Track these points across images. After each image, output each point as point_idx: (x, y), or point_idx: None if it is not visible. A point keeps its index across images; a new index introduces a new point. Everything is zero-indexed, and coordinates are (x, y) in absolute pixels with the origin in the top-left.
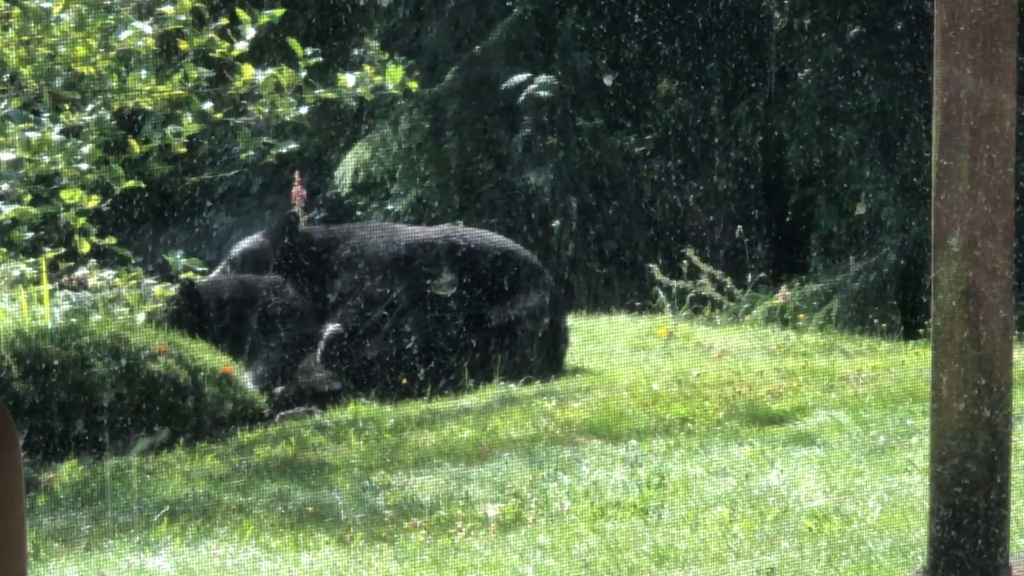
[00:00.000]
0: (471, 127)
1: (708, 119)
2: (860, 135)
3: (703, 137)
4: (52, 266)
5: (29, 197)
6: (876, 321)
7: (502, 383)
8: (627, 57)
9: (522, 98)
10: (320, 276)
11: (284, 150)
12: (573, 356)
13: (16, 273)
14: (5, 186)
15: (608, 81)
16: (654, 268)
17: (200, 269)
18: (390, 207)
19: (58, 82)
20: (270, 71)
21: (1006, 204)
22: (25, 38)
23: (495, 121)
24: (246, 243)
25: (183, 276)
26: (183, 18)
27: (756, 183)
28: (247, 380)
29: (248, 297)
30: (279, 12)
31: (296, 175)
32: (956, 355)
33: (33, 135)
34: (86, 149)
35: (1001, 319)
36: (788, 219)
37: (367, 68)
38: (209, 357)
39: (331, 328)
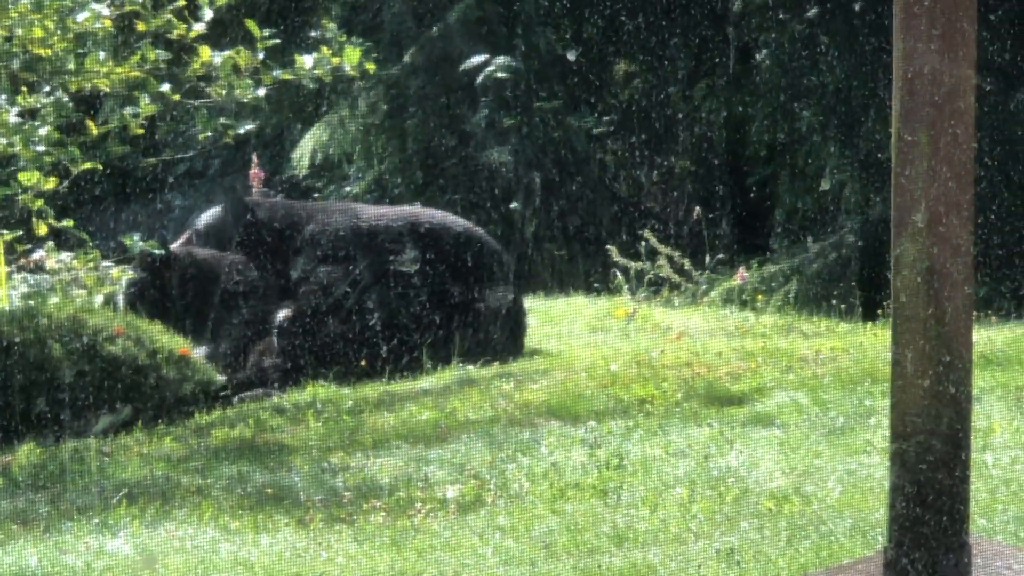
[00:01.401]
0: (431, 106)
1: (669, 98)
2: (822, 112)
3: (664, 116)
4: (9, 248)
5: None
6: (835, 302)
7: (461, 365)
8: (588, 35)
9: (482, 78)
10: (279, 254)
11: (242, 131)
12: (532, 338)
13: None
14: None
15: (570, 58)
16: (613, 249)
17: (157, 252)
18: (348, 188)
19: (15, 64)
20: (228, 52)
21: (968, 180)
22: None
23: (456, 100)
24: (209, 215)
25: (141, 253)
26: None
27: (718, 162)
28: (204, 359)
29: (207, 276)
30: None
31: (254, 157)
32: (920, 332)
33: None
34: (43, 131)
35: (964, 296)
36: (749, 199)
37: (324, 49)
38: (167, 339)
39: (288, 308)
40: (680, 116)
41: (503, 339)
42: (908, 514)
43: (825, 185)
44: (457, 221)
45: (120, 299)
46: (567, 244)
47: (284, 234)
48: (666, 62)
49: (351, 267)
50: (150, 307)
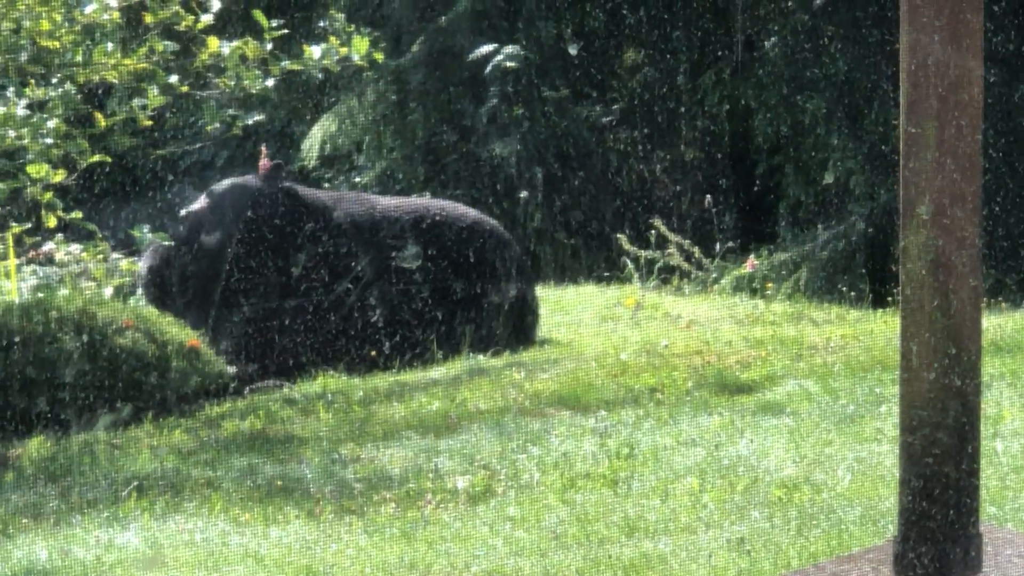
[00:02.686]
0: (437, 98)
1: (674, 88)
2: (827, 103)
3: (669, 106)
4: (18, 241)
5: None
6: (845, 290)
7: (471, 355)
8: (593, 26)
9: (488, 69)
10: (296, 241)
11: (250, 122)
12: (542, 327)
13: None
14: None
15: (573, 51)
16: (622, 238)
17: (166, 243)
18: (356, 179)
19: (23, 56)
20: (235, 43)
21: (974, 172)
22: None
23: (461, 92)
24: (231, 181)
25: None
26: None
27: (723, 152)
28: (219, 350)
29: (216, 266)
30: None
31: (262, 147)
32: (926, 324)
33: None
34: (51, 123)
35: (971, 288)
36: (756, 188)
37: (332, 40)
38: (176, 331)
39: (298, 298)
40: (686, 106)
41: (514, 329)
42: (915, 507)
43: (829, 177)
44: (468, 211)
45: (138, 286)
46: (575, 234)
47: (298, 224)
48: (671, 53)
49: (363, 257)
50: (164, 294)
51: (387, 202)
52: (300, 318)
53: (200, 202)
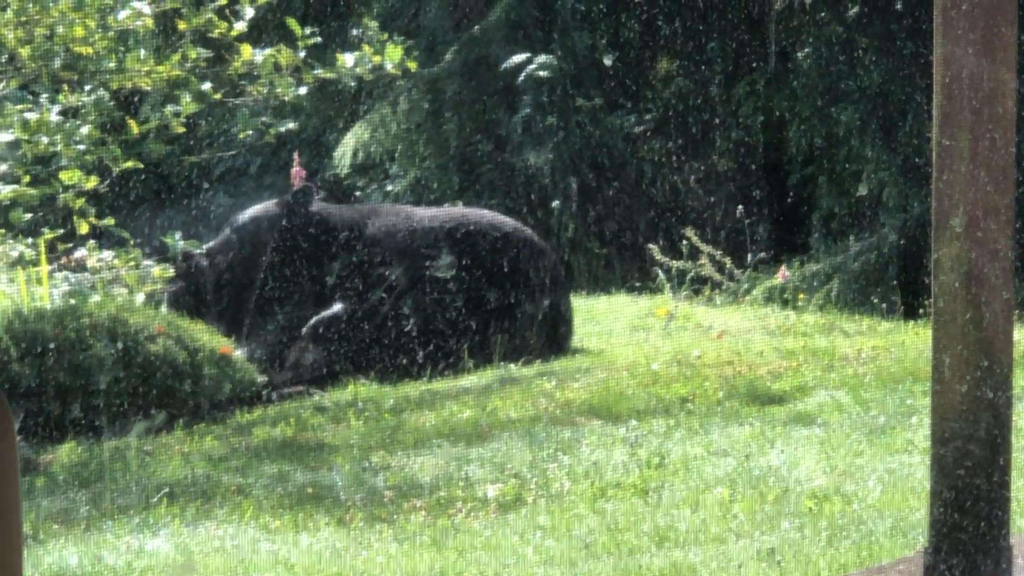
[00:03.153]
0: (470, 107)
1: (708, 99)
2: (861, 115)
3: (703, 117)
4: (51, 247)
5: (27, 178)
6: (877, 301)
7: (502, 364)
8: (627, 36)
9: (522, 78)
10: (330, 255)
11: (283, 130)
12: (574, 336)
13: (15, 254)
14: (3, 167)
15: (608, 60)
16: (654, 248)
17: (198, 251)
18: (389, 188)
19: (56, 63)
20: (269, 51)
21: (1008, 184)
22: (23, 19)
23: (494, 101)
24: (254, 210)
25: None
26: None
27: (756, 163)
28: (245, 358)
29: (251, 274)
30: None
31: (295, 156)
32: (958, 336)
33: (31, 116)
34: (84, 130)
35: (1003, 300)
36: (789, 199)
37: (366, 48)
38: (207, 338)
39: (332, 307)
40: (720, 116)
41: (547, 338)
42: (946, 519)
43: (862, 189)
44: (505, 221)
45: (166, 295)
46: (608, 244)
47: (328, 247)
48: (705, 64)
49: (396, 268)
50: (194, 303)
51: (423, 212)
52: (333, 328)
53: (223, 237)
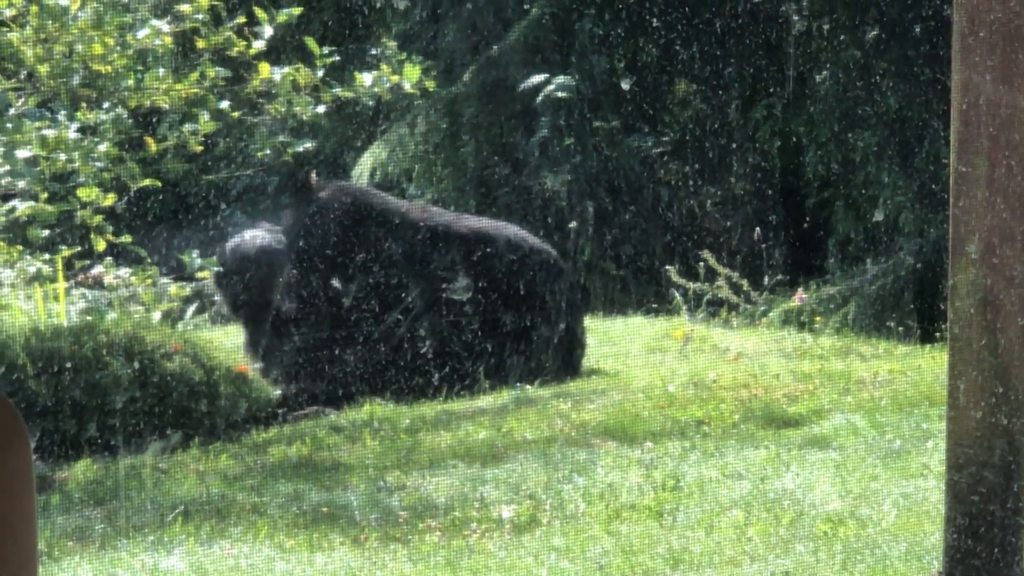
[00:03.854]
0: (488, 129)
1: (726, 122)
2: (878, 140)
3: (720, 140)
4: (68, 264)
5: (45, 195)
6: (893, 325)
7: (518, 385)
8: (644, 60)
9: (539, 100)
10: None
11: (300, 149)
12: (589, 358)
13: (32, 271)
14: (22, 184)
15: (626, 84)
16: (671, 270)
17: (215, 269)
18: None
19: (75, 80)
20: (287, 70)
21: None
22: (42, 36)
23: (512, 123)
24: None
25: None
26: (200, 17)
27: (773, 186)
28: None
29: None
30: (296, 11)
31: (313, 175)
32: (973, 362)
33: (50, 133)
34: (102, 147)
35: (1019, 327)
36: (805, 223)
37: (384, 67)
38: (223, 356)
39: (346, 325)
40: (737, 140)
41: (561, 359)
42: (960, 545)
43: (879, 214)
44: (525, 237)
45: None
46: (625, 266)
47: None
48: (722, 87)
49: (412, 285)
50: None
51: (441, 220)
52: (349, 348)
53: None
